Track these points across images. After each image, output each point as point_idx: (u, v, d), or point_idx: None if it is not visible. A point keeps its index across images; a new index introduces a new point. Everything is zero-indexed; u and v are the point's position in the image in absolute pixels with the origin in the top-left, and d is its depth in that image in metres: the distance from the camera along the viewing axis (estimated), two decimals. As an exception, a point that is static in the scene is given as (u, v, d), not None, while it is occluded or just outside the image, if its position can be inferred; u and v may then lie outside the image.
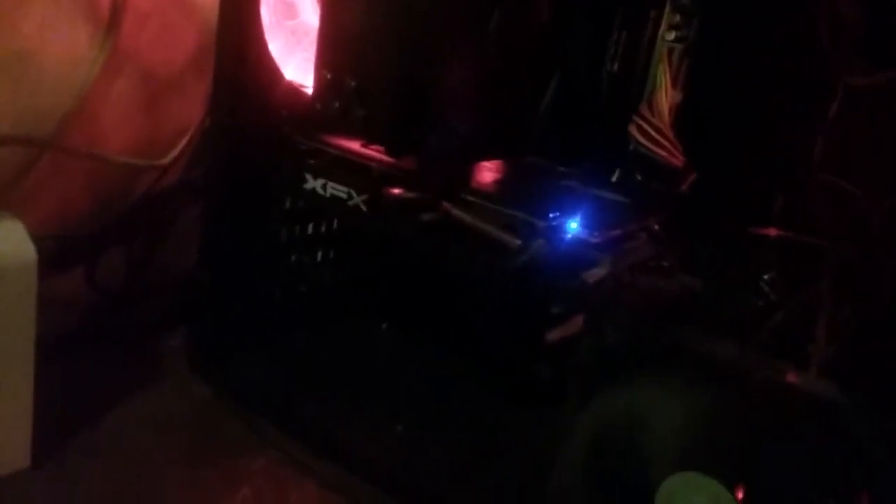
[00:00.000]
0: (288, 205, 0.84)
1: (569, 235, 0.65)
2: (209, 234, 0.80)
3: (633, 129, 0.72)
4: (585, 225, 0.66)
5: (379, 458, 0.74)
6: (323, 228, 0.90)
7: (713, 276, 0.71)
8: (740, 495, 0.49)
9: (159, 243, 0.94)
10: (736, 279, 0.72)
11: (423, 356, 0.90)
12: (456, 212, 0.69)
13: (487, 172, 0.75)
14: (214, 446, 0.76)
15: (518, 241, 0.64)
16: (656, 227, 0.71)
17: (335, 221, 0.91)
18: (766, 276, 0.74)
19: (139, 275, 0.94)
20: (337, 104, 0.67)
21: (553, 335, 0.77)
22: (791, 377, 0.49)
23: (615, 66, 0.74)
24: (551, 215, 0.66)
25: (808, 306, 0.70)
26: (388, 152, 0.68)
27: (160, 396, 0.82)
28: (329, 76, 0.67)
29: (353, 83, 0.65)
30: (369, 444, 0.75)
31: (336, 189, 0.73)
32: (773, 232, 0.71)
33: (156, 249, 0.95)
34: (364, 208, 0.72)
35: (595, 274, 0.66)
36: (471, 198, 0.69)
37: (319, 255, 0.91)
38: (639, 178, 0.73)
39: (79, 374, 0.83)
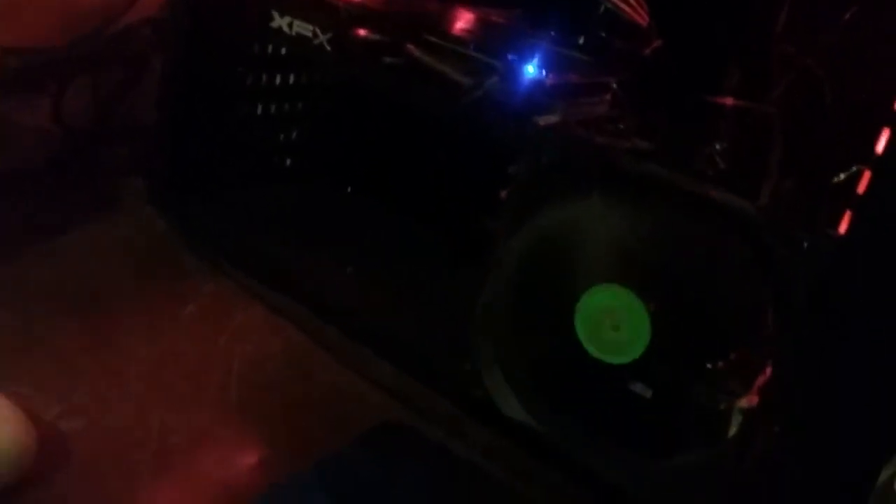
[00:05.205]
0: (256, 50, 0.84)
1: (524, 77, 0.66)
2: (169, 72, 0.81)
3: (600, -15, 0.72)
4: (543, 69, 0.67)
5: (326, 291, 0.76)
6: (291, 80, 0.91)
7: (666, 141, 0.72)
8: (652, 307, 0.51)
9: (129, 86, 0.95)
10: (688, 146, 0.73)
11: (385, 212, 0.91)
12: (418, 54, 0.69)
13: (457, 20, 0.75)
14: (167, 271, 0.78)
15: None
16: (614, 85, 0.72)
17: (300, 75, 0.91)
18: (717, 146, 0.75)
19: (107, 116, 0.94)
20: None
21: (506, 192, 0.79)
22: (712, 192, 0.51)
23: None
24: (510, 57, 0.66)
25: (754, 179, 0.72)
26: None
27: (117, 228, 0.84)
28: None
29: None
30: (318, 280, 0.77)
31: (302, 27, 0.73)
32: (728, 101, 0.72)
33: (125, 92, 0.95)
34: (328, 48, 0.72)
35: (547, 118, 0.67)
36: (434, 39, 0.69)
37: (285, 106, 0.91)
38: (602, 35, 0.73)
39: (39, 203, 0.84)
